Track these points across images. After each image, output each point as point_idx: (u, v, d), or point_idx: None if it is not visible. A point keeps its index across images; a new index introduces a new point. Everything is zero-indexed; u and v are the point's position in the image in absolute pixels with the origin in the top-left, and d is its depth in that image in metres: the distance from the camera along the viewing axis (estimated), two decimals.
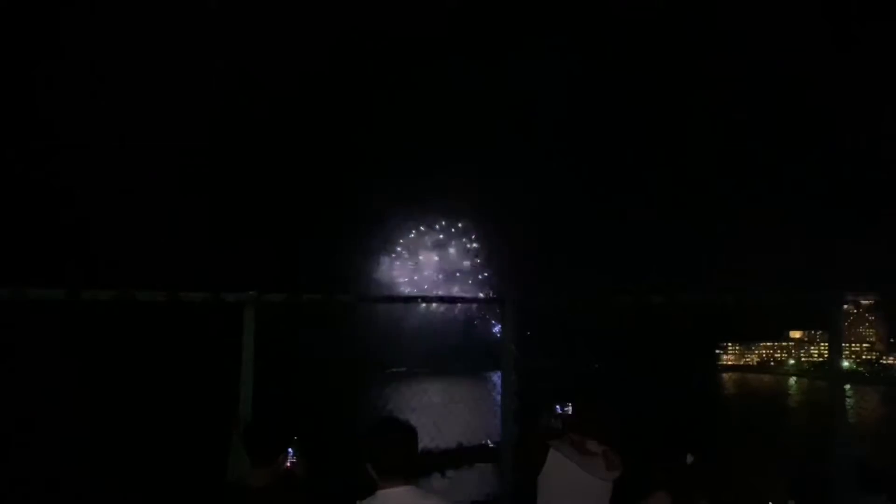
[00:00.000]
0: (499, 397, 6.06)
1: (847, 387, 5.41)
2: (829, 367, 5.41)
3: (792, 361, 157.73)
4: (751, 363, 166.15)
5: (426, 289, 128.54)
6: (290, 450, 3.60)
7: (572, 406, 4.39)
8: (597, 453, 4.23)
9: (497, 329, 6.13)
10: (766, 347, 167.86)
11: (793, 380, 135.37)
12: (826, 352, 5.39)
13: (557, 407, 4.42)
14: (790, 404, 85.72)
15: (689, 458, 3.98)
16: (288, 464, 3.58)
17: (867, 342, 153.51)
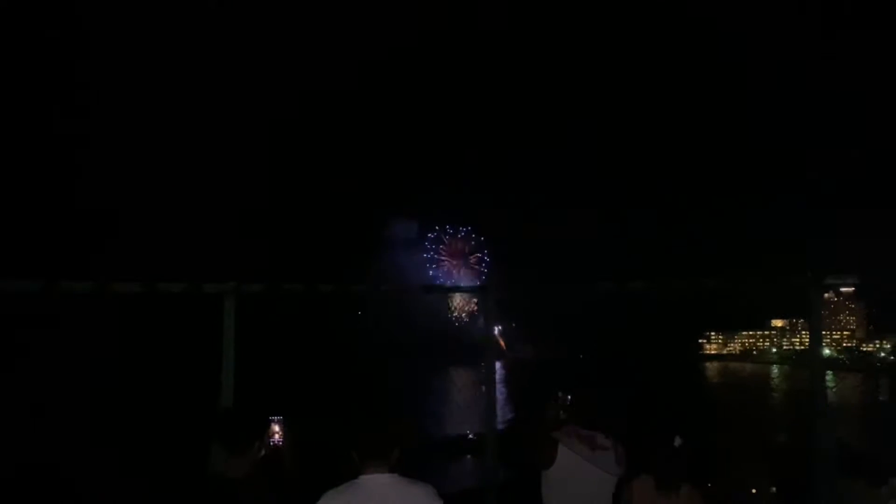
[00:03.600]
0: (485, 387, 6.02)
1: (829, 374, 5.44)
2: (809, 353, 5.42)
3: (774, 350, 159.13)
4: (733, 352, 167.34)
5: (414, 280, 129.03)
6: (273, 436, 3.54)
7: (575, 397, 4.32)
8: (608, 448, 4.16)
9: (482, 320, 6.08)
10: (748, 336, 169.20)
11: (775, 368, 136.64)
12: (808, 340, 5.39)
13: (567, 397, 4.34)
14: (772, 392, 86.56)
15: (678, 441, 3.96)
16: (276, 439, 3.53)
17: (847, 330, 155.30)
